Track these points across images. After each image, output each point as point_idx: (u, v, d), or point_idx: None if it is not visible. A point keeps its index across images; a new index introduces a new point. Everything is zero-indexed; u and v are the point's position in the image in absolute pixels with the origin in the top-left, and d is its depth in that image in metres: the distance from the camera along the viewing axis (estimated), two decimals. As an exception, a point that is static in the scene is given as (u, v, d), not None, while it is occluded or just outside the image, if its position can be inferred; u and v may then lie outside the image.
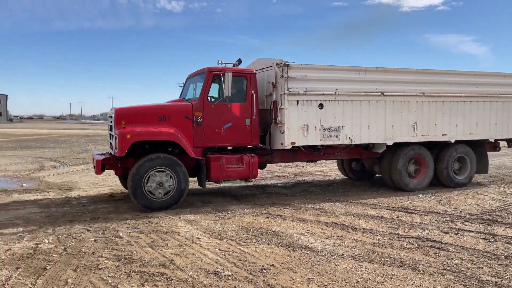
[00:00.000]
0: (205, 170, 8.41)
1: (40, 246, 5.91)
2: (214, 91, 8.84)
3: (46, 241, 6.14)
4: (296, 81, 8.85)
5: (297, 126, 8.95)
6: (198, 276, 4.85)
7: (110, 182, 11.70)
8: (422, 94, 10.07)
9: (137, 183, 7.80)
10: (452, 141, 10.58)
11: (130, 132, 7.80)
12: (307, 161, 10.62)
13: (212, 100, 8.62)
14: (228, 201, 9.18)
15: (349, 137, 9.49)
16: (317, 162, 12.25)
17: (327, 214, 7.92)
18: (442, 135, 10.46)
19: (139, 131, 7.88)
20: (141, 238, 6.28)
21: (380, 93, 9.64)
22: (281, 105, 8.84)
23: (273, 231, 6.70)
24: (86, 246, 5.87)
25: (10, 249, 5.79)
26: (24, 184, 11.43)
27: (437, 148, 10.82)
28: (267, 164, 9.91)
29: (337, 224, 7.18)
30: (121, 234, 6.45)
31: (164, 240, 6.20)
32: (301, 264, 5.25)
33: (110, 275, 4.85)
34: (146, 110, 8.38)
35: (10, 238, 6.30)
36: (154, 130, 8.00)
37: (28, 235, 6.43)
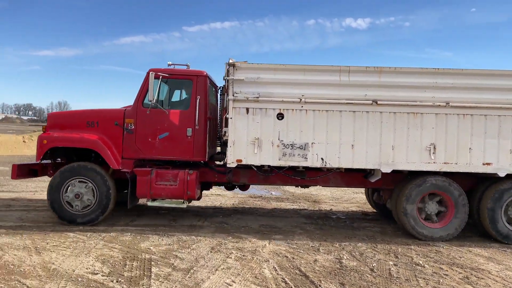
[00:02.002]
0: (133, 185, 7.40)
1: (343, 261, 5.93)
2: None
3: (344, 256, 6.17)
4: (245, 85, 7.12)
5: (246, 140, 7.19)
6: None
7: (351, 197, 11.92)
8: (445, 104, 7.04)
9: (55, 192, 7.28)
10: (501, 174, 7.12)
11: (48, 137, 7.35)
12: (296, 186, 8.50)
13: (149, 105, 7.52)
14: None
15: (322, 158, 7.19)
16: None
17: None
18: (483, 164, 7.12)
19: (57, 136, 7.36)
20: (444, 269, 5.78)
21: (371, 102, 7.07)
22: (227, 114, 7.24)
23: None
24: (392, 270, 5.66)
25: (316, 260, 5.95)
26: (273, 193, 12.31)
27: (483, 184, 7.47)
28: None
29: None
30: (418, 261, 6.05)
31: (478, 278, 5.51)
32: None
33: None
34: (74, 115, 7.82)
35: (306, 248, 6.54)
36: (72, 136, 7.37)
37: (321, 247, 6.61)
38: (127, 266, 5.40)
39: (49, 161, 7.84)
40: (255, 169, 7.56)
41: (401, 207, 7.29)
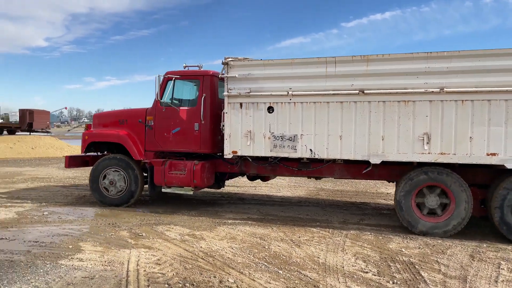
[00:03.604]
0: (151, 174, 8.51)
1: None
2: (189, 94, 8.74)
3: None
4: (238, 81, 7.62)
5: (240, 133, 7.69)
6: None
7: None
8: (439, 90, 6.51)
9: (94, 178, 8.82)
10: (509, 166, 6.30)
11: (88, 133, 8.91)
12: (308, 177, 8.62)
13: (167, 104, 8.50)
14: None
15: (310, 149, 7.30)
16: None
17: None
18: (488, 155, 6.39)
19: (95, 133, 8.87)
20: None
21: (358, 91, 6.91)
22: (223, 109, 7.83)
23: None
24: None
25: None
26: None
27: (499, 178, 6.69)
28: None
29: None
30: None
31: None
32: None
33: None
34: (111, 115, 9.24)
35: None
36: (105, 132, 8.80)
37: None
38: (392, 268, 5.32)
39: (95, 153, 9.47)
40: (250, 160, 7.99)
41: (396, 198, 6.99)
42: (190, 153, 8.55)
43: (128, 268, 5.19)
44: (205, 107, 8.16)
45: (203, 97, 8.17)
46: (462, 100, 6.47)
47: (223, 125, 7.89)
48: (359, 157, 7.06)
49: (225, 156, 7.87)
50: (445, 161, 6.61)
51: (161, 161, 8.36)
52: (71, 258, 5.52)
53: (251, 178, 9.37)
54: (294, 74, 7.31)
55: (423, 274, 5.11)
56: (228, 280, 4.84)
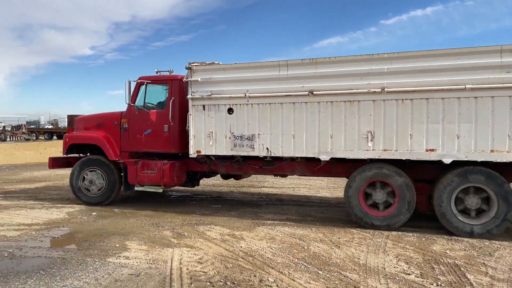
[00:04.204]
0: (125, 173, 9.07)
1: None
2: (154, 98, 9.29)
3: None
4: (200, 85, 8.12)
5: (203, 133, 8.18)
6: None
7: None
8: (380, 90, 6.90)
9: (74, 178, 9.42)
10: (447, 161, 6.63)
11: (69, 136, 9.54)
12: (274, 175, 9.06)
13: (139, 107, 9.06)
14: None
15: (267, 148, 7.74)
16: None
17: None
18: (427, 150, 6.74)
19: (74, 135, 9.49)
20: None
21: (308, 93, 7.34)
22: (188, 111, 8.34)
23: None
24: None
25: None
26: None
27: (435, 172, 7.03)
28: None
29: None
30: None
31: None
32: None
33: None
34: (91, 118, 9.83)
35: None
36: (84, 135, 9.41)
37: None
38: (436, 270, 5.25)
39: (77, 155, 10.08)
40: (214, 159, 8.47)
41: (346, 194, 7.37)
42: (163, 153, 9.08)
43: (171, 266, 5.40)
44: (173, 109, 8.69)
45: (171, 100, 8.69)
46: (402, 99, 6.84)
47: (188, 126, 8.40)
48: (310, 155, 7.47)
49: (190, 156, 8.37)
50: (388, 157, 6.98)
51: (133, 161, 8.91)
52: (118, 256, 5.82)
53: (225, 177, 9.85)
54: (250, 77, 7.78)
55: (469, 277, 5.00)
56: (268, 280, 4.95)
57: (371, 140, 7.02)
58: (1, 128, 42.75)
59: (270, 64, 7.64)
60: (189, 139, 8.30)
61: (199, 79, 8.11)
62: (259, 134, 7.79)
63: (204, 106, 8.17)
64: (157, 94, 9.13)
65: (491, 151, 6.40)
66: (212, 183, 12.96)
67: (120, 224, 7.67)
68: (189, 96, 8.23)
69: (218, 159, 8.59)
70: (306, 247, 6.18)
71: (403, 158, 6.89)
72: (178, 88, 8.76)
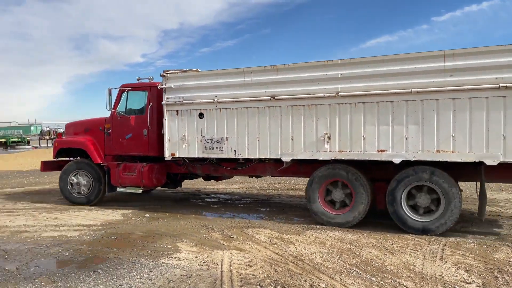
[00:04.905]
0: (108, 175, 9.66)
1: None
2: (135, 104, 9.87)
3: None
4: (174, 91, 8.65)
5: (177, 137, 8.71)
6: None
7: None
8: (335, 94, 7.30)
9: (63, 181, 10.06)
10: (397, 161, 6.98)
11: (58, 141, 10.20)
12: (249, 176, 9.53)
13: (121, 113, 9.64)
14: None
15: (234, 150, 8.22)
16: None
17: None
18: (378, 151, 7.11)
19: (63, 140, 10.14)
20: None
21: (270, 97, 7.79)
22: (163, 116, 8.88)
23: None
24: None
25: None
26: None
27: (392, 172, 7.36)
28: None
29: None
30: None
31: None
32: None
33: None
34: (79, 124, 10.47)
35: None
36: (71, 139, 10.05)
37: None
38: (499, 279, 4.99)
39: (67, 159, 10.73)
40: (187, 161, 8.98)
41: (306, 193, 7.77)
42: (144, 156, 9.64)
43: (222, 268, 5.46)
44: (152, 114, 9.24)
45: (150, 106, 9.26)
46: (355, 103, 7.22)
47: (164, 131, 8.93)
48: (273, 156, 7.91)
49: (165, 158, 8.90)
50: (343, 158, 7.36)
51: (116, 164, 9.50)
52: (171, 257, 5.95)
53: (206, 178, 10.35)
54: (219, 83, 8.27)
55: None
56: (319, 285, 4.84)
57: (327, 142, 7.42)
58: (53, 135, 42.52)
59: (236, 71, 8.12)
60: (165, 143, 8.84)
61: (172, 86, 8.64)
62: (227, 137, 8.27)
63: (177, 111, 8.70)
64: (138, 100, 9.69)
65: (437, 151, 6.73)
66: (259, 187, 12.97)
67: (172, 226, 7.86)
68: (163, 102, 8.76)
69: (193, 162, 9.09)
70: (357, 253, 6.03)
71: (357, 158, 7.27)
72: (156, 95, 9.31)
